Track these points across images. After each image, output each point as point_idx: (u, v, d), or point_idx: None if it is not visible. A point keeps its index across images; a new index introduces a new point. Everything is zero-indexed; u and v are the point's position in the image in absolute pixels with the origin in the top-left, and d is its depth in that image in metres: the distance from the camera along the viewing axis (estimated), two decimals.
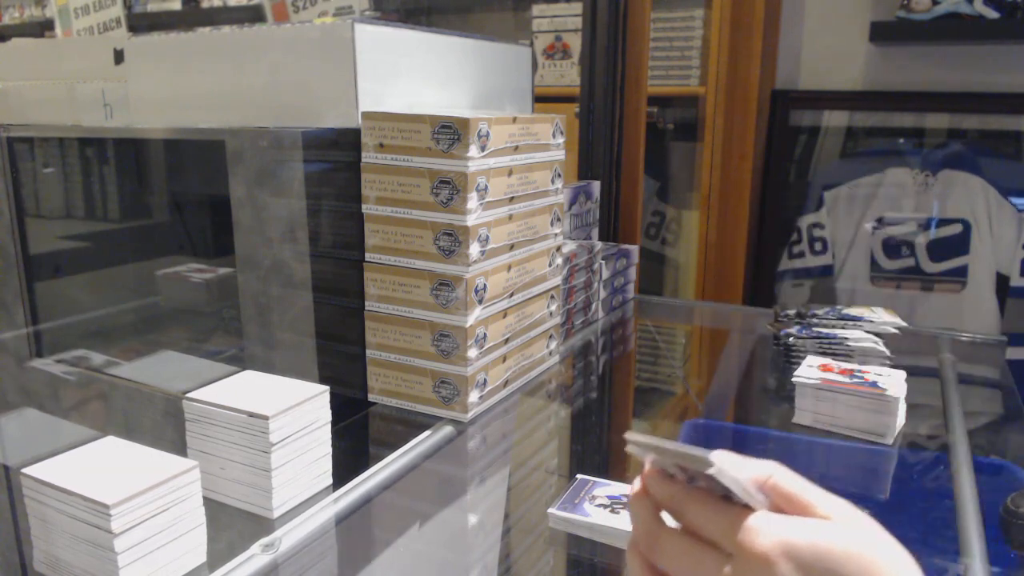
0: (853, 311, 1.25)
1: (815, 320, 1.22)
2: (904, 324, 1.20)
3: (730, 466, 0.40)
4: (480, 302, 0.91)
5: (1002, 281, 1.75)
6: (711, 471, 0.39)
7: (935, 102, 1.80)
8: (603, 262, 1.32)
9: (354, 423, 0.94)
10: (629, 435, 0.43)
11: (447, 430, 0.90)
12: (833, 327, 1.19)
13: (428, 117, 0.86)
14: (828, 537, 0.39)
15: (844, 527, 0.40)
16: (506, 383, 1.00)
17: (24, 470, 0.61)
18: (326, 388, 0.74)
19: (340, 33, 0.91)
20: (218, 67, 1.01)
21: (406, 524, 0.78)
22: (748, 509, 0.41)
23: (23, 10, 3.26)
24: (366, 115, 0.90)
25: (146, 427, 1.02)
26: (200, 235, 1.04)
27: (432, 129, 0.86)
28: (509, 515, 0.84)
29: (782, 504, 0.42)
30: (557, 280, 1.10)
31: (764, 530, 0.39)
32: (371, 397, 0.97)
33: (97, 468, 0.61)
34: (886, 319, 1.21)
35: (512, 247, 0.97)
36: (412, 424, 0.92)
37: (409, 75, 1.01)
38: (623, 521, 0.72)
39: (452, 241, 0.87)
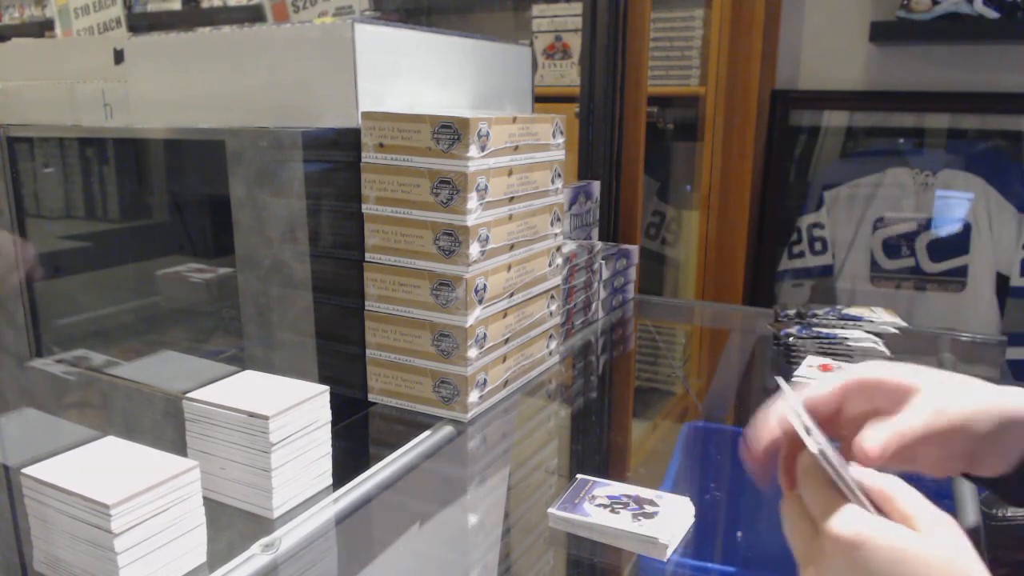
0: (853, 311, 1.25)
1: (815, 320, 1.22)
2: (904, 324, 1.20)
3: (835, 458, 0.44)
4: (480, 302, 0.91)
5: (1002, 281, 1.75)
6: (815, 452, 0.45)
7: (935, 102, 1.80)
8: (603, 262, 1.32)
9: (354, 423, 0.94)
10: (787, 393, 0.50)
11: (447, 430, 0.90)
12: (833, 327, 1.19)
13: (428, 117, 0.86)
14: (907, 543, 0.41)
15: (928, 540, 0.41)
16: (506, 383, 1.00)
17: (24, 470, 0.61)
18: (326, 388, 0.74)
19: (340, 33, 0.91)
20: (218, 67, 1.01)
21: (406, 524, 0.78)
22: (846, 499, 0.44)
23: (23, 10, 3.26)
24: (366, 115, 0.90)
25: (146, 427, 1.02)
26: (200, 235, 1.04)
27: (432, 129, 0.86)
28: (509, 515, 0.84)
29: (886, 508, 0.44)
30: (557, 280, 1.10)
31: (849, 519, 0.42)
32: (371, 397, 0.97)
33: (97, 468, 0.61)
34: (886, 319, 1.21)
35: (512, 247, 0.97)
36: (412, 424, 0.92)
37: (409, 75, 1.01)
38: (623, 521, 0.72)
39: (452, 241, 0.87)
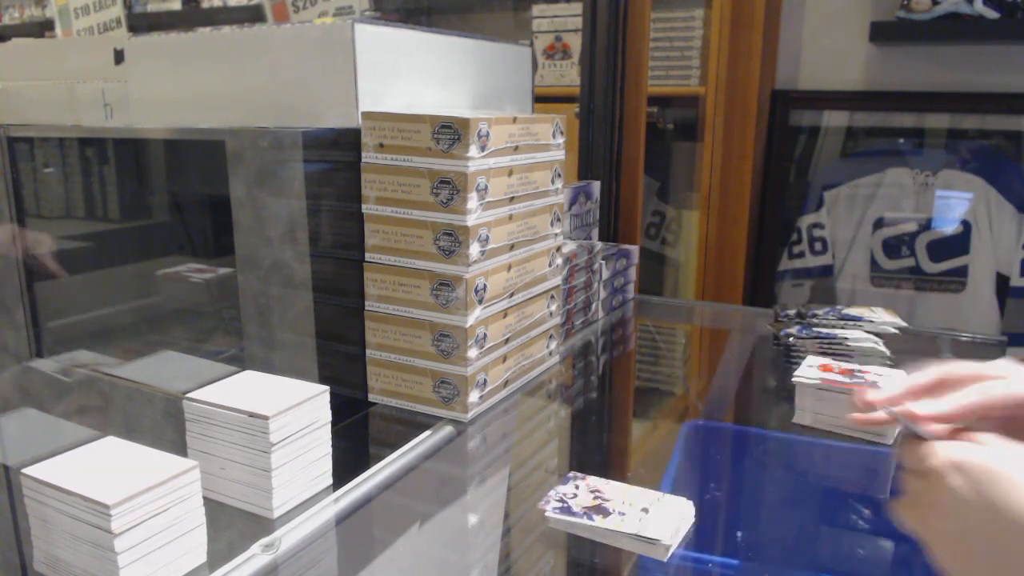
0: (853, 311, 1.24)
1: (815, 320, 1.22)
2: (904, 324, 1.20)
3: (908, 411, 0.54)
4: (480, 302, 0.91)
5: (1002, 281, 1.75)
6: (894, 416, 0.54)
7: (935, 102, 1.80)
8: (603, 262, 1.32)
9: (354, 423, 0.94)
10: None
11: (447, 430, 0.90)
12: (833, 327, 1.18)
13: (428, 117, 0.86)
14: (992, 456, 0.49)
15: (1006, 451, 0.50)
16: (506, 383, 1.00)
17: (24, 470, 0.61)
18: (326, 388, 0.74)
19: (340, 33, 0.91)
20: (218, 67, 1.01)
21: (406, 524, 0.78)
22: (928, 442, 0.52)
23: (23, 10, 3.26)
24: (366, 115, 0.90)
25: (146, 427, 1.02)
26: (200, 235, 1.04)
27: (432, 129, 0.86)
28: (509, 515, 0.84)
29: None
30: (557, 280, 1.10)
31: (937, 451, 0.51)
32: (371, 397, 0.97)
33: (97, 468, 0.61)
34: (886, 319, 1.21)
35: (512, 247, 0.97)
36: (412, 424, 0.92)
37: (409, 75, 1.01)
38: (623, 521, 0.72)
39: (452, 241, 0.87)
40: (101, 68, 1.19)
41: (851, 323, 1.20)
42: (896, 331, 1.18)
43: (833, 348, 1.13)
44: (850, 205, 1.87)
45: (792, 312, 1.27)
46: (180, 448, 0.72)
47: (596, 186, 1.43)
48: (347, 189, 0.92)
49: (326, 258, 0.91)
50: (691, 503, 0.75)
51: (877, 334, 1.15)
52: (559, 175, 1.06)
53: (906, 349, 1.17)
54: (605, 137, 1.54)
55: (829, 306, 1.28)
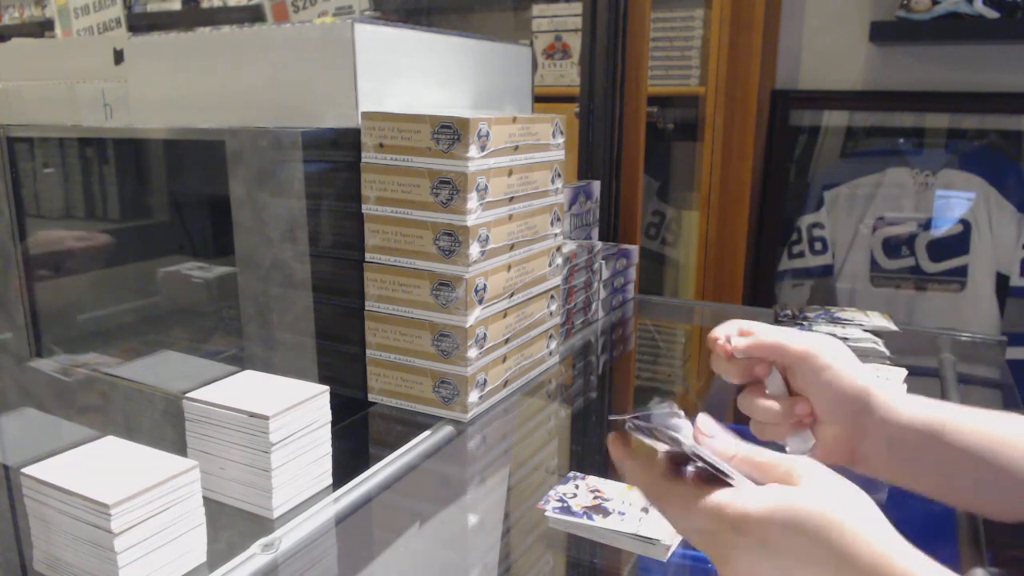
0: (845, 314, 1.24)
1: (806, 322, 1.22)
2: (894, 328, 1.19)
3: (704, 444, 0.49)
4: (480, 302, 0.91)
5: (1002, 281, 1.75)
6: (686, 448, 0.47)
7: (935, 102, 1.80)
8: (603, 262, 1.32)
9: (354, 423, 0.94)
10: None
11: (447, 430, 0.90)
12: (833, 325, 1.18)
13: (428, 117, 0.86)
14: (797, 501, 0.43)
15: (811, 491, 0.44)
16: (506, 383, 1.00)
17: (24, 470, 0.61)
18: (326, 388, 0.74)
19: (340, 33, 0.91)
20: (218, 67, 1.01)
21: (406, 524, 0.78)
22: (719, 484, 0.46)
23: (23, 10, 3.26)
24: (366, 115, 0.90)
25: (146, 427, 1.02)
26: (200, 235, 1.04)
27: (432, 129, 0.86)
28: (509, 515, 0.84)
29: (756, 475, 0.47)
30: (557, 280, 1.10)
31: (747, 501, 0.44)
32: (371, 397, 0.97)
33: (97, 468, 0.61)
34: (876, 324, 1.20)
35: (512, 247, 0.97)
36: (412, 424, 0.92)
37: (409, 75, 1.01)
38: (623, 522, 0.72)
39: (452, 241, 0.87)
40: (101, 68, 1.19)
41: (838, 326, 1.20)
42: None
43: None
44: (850, 205, 1.87)
45: (791, 312, 1.26)
46: (180, 448, 0.72)
47: (596, 186, 1.43)
48: (347, 189, 0.92)
49: (326, 258, 0.91)
50: None
51: (876, 333, 1.15)
52: (559, 175, 1.06)
53: (906, 349, 1.17)
54: (605, 137, 1.54)
55: (823, 308, 1.28)
